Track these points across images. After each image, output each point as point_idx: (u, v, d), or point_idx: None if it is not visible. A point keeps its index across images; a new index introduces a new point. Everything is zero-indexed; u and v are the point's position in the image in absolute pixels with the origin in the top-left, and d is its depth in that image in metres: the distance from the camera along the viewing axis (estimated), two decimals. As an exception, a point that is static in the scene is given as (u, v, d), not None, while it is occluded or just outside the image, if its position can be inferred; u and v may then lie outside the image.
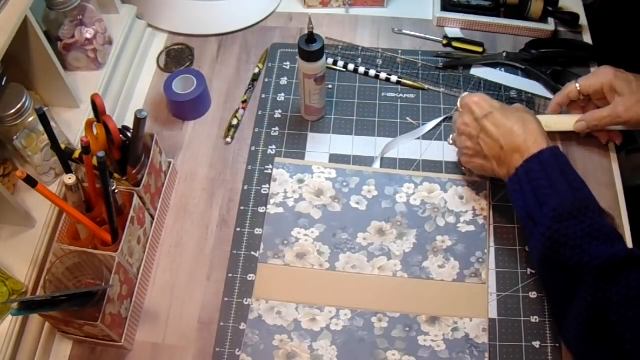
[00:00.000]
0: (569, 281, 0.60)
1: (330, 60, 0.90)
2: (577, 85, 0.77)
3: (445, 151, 0.82)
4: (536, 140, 0.66)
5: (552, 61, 0.89)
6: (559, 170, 0.63)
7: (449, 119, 0.85)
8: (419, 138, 0.83)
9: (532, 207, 0.63)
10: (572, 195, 0.61)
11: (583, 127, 0.78)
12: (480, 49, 0.92)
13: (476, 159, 0.72)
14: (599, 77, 0.75)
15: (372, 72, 0.89)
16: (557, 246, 0.60)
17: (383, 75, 0.89)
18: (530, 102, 0.86)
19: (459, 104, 0.75)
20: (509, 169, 0.67)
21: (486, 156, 0.70)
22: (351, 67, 0.90)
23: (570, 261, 0.59)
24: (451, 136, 0.78)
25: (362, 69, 0.90)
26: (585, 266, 0.57)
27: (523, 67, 0.89)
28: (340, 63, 0.90)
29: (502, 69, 0.90)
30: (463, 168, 0.78)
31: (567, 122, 0.80)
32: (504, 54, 0.90)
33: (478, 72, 0.90)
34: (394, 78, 0.88)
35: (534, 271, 0.72)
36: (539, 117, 0.74)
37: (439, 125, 0.84)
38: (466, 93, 0.76)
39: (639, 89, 0.73)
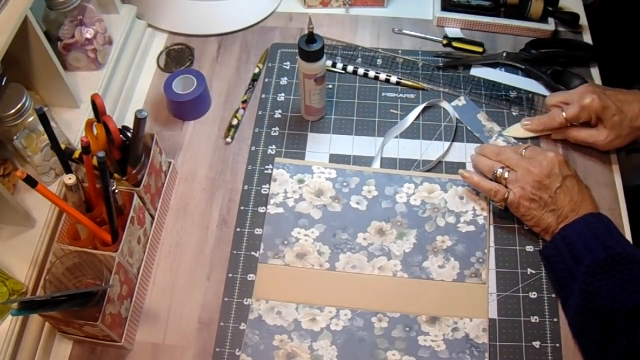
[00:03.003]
0: (604, 330, 0.63)
1: (330, 62, 0.90)
2: (564, 114, 0.78)
3: (445, 151, 0.82)
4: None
5: (552, 61, 0.89)
6: (592, 235, 0.67)
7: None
8: (418, 138, 0.83)
9: (571, 266, 0.67)
10: (604, 252, 0.65)
11: (559, 137, 0.82)
12: (480, 49, 0.92)
13: (540, 210, 0.71)
14: (588, 111, 0.76)
15: (372, 73, 0.89)
16: (591, 297, 0.64)
17: (382, 76, 0.89)
18: (530, 102, 0.86)
19: (524, 151, 0.75)
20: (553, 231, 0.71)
21: (554, 210, 0.70)
22: (350, 68, 0.90)
23: (603, 309, 0.62)
24: (503, 172, 0.74)
25: (361, 70, 0.90)
26: (617, 312, 0.61)
27: (523, 67, 0.89)
28: (340, 65, 0.90)
29: (502, 69, 0.90)
30: (498, 205, 0.74)
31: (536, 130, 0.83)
32: (504, 54, 0.90)
33: (478, 72, 0.90)
34: (393, 79, 0.88)
35: (534, 271, 0.72)
36: (513, 127, 0.83)
37: (438, 125, 0.84)
38: (533, 147, 0.76)
39: (618, 122, 0.75)
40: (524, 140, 0.82)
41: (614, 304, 0.62)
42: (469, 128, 0.84)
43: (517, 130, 0.83)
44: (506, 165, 0.74)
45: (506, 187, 0.73)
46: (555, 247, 0.70)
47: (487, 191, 0.74)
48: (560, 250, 0.69)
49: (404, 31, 0.95)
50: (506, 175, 0.73)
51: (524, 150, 0.75)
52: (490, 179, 0.75)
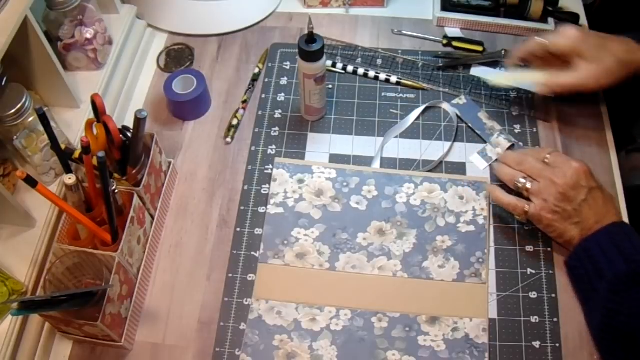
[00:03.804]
0: (627, 347, 0.62)
1: (330, 62, 0.90)
2: (547, 41, 0.76)
3: (445, 151, 0.82)
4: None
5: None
6: (614, 247, 0.65)
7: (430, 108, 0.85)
8: (419, 138, 0.83)
9: (593, 279, 0.66)
10: (627, 266, 0.63)
11: (545, 92, 0.78)
12: (480, 48, 0.92)
13: (563, 222, 0.69)
14: (569, 39, 0.74)
15: (372, 74, 0.89)
16: (613, 314, 0.63)
17: (382, 76, 0.89)
18: (530, 102, 0.86)
19: (548, 157, 0.72)
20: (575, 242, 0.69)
21: (578, 222, 0.68)
22: (350, 68, 0.90)
23: (626, 327, 0.61)
24: (527, 184, 0.71)
25: (361, 71, 0.90)
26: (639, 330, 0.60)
27: (523, 65, 0.89)
28: (340, 65, 0.90)
29: (502, 69, 0.90)
30: (520, 219, 0.73)
31: (531, 77, 0.81)
32: (503, 52, 0.90)
33: (478, 71, 0.90)
34: (393, 79, 0.88)
35: (534, 271, 0.72)
36: (505, 73, 0.79)
37: (439, 125, 0.84)
38: (558, 154, 0.73)
39: (606, 56, 0.72)
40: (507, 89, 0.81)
41: (638, 322, 0.60)
42: (470, 126, 0.84)
43: (501, 76, 0.83)
44: (529, 175, 0.71)
45: (529, 198, 0.71)
46: (578, 258, 0.68)
47: (506, 206, 0.72)
48: (583, 262, 0.67)
49: (404, 32, 0.95)
50: (528, 186, 0.70)
51: (547, 156, 0.72)
52: (513, 190, 0.73)
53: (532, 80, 0.80)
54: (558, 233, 0.70)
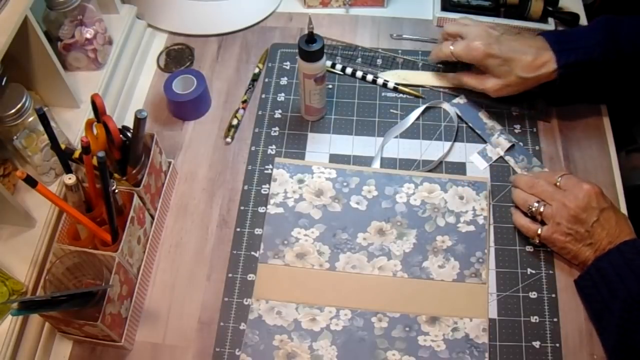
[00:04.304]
0: None
1: (329, 63, 0.90)
2: (452, 48, 0.81)
3: (445, 151, 0.82)
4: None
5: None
6: (627, 266, 0.65)
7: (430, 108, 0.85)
8: (419, 138, 0.83)
9: (607, 299, 0.66)
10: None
11: (455, 83, 0.85)
12: None
13: (577, 243, 0.69)
14: (472, 52, 0.78)
15: (370, 77, 0.89)
16: (629, 333, 0.62)
17: (380, 81, 0.88)
18: (530, 102, 0.86)
19: (559, 180, 0.72)
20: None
21: (591, 244, 0.68)
22: (349, 70, 0.90)
23: None
24: (535, 205, 0.71)
25: (359, 74, 0.89)
26: None
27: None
28: (339, 66, 0.90)
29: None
30: (532, 239, 0.73)
31: (424, 79, 0.89)
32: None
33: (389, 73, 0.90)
34: (391, 84, 0.88)
35: (534, 271, 0.72)
36: (396, 71, 0.88)
37: (439, 125, 0.84)
38: (567, 175, 0.73)
39: (507, 72, 0.77)
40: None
41: None
42: (470, 125, 0.84)
43: (419, 76, 0.89)
44: (541, 198, 0.71)
45: (542, 222, 0.71)
46: (590, 278, 0.68)
47: (520, 228, 0.73)
48: (595, 282, 0.67)
49: (404, 35, 0.95)
50: (542, 209, 0.70)
51: (559, 179, 0.72)
52: (527, 214, 0.73)
53: (426, 79, 0.89)
54: (572, 255, 0.70)
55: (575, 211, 0.68)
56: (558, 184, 0.72)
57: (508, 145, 0.81)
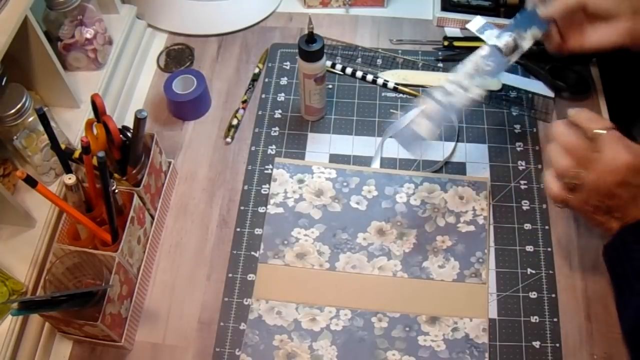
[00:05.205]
0: None
1: (329, 63, 0.90)
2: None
3: (445, 151, 0.82)
4: None
5: (551, 58, 0.89)
6: None
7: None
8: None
9: (630, 278, 0.61)
10: None
11: (576, 47, 0.74)
12: (481, 44, 0.91)
13: (604, 215, 0.63)
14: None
15: (370, 77, 0.89)
16: None
17: (380, 81, 0.88)
18: (530, 102, 0.86)
19: (601, 135, 0.63)
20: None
21: (620, 217, 0.62)
22: (349, 70, 0.90)
23: None
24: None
25: (359, 73, 0.89)
26: None
27: (522, 62, 0.89)
28: (339, 66, 0.90)
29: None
30: (558, 205, 0.66)
31: (424, 79, 0.86)
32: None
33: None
34: (391, 84, 0.88)
35: (534, 271, 0.72)
36: (396, 71, 0.85)
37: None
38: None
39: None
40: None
41: None
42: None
43: (419, 76, 0.88)
44: (577, 163, 0.63)
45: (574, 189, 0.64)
46: (615, 249, 0.63)
47: (548, 192, 0.66)
48: (620, 256, 0.62)
49: (404, 39, 0.95)
50: (576, 182, 0.63)
51: (601, 134, 0.62)
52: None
53: (430, 79, 0.86)
54: (597, 223, 0.65)
55: (610, 186, 0.62)
56: (596, 139, 0.63)
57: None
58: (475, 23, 0.73)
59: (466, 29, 0.76)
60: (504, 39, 0.71)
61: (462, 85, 0.69)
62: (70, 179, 0.63)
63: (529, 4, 0.74)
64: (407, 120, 0.84)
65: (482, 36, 0.72)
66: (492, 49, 0.71)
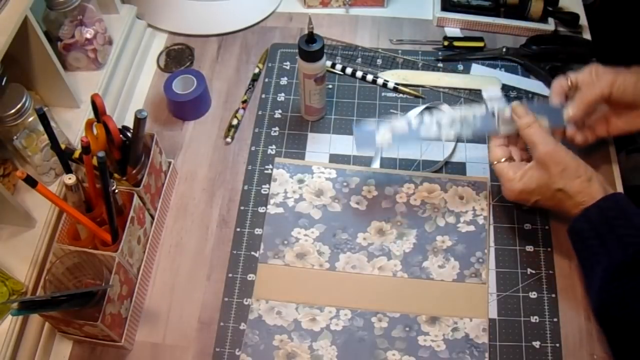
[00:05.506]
0: (627, 335, 0.61)
1: (329, 63, 0.90)
2: (569, 80, 0.73)
3: (445, 151, 0.82)
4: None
5: (551, 57, 0.89)
6: (607, 226, 0.63)
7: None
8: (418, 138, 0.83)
9: (589, 261, 0.65)
10: (623, 252, 0.61)
11: (602, 133, 0.76)
12: (481, 44, 0.92)
13: (547, 201, 0.69)
14: (601, 83, 0.71)
15: (370, 77, 0.89)
16: (608, 305, 0.63)
17: (380, 81, 0.88)
18: (530, 102, 0.86)
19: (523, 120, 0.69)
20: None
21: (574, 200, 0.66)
22: (349, 70, 0.90)
23: (626, 317, 0.61)
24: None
25: (359, 73, 0.89)
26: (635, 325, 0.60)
27: (522, 62, 0.89)
28: (339, 66, 0.90)
29: (502, 69, 0.90)
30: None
31: (424, 79, 0.87)
32: (504, 49, 0.90)
33: (478, 71, 0.90)
34: (391, 84, 0.88)
35: (534, 271, 0.72)
36: (396, 71, 0.87)
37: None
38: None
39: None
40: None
41: (632, 313, 0.60)
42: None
43: (419, 76, 0.88)
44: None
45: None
46: (575, 232, 0.66)
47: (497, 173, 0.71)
48: (583, 236, 0.65)
49: (404, 39, 0.95)
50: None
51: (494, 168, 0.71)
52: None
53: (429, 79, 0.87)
54: (549, 206, 0.69)
55: (530, 202, 0.69)
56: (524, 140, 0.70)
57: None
58: (490, 91, 0.74)
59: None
60: (505, 111, 0.71)
61: (440, 123, 0.72)
62: (70, 179, 0.63)
63: (553, 100, 0.74)
64: (404, 120, 0.84)
65: (488, 102, 0.73)
66: (488, 114, 0.72)
